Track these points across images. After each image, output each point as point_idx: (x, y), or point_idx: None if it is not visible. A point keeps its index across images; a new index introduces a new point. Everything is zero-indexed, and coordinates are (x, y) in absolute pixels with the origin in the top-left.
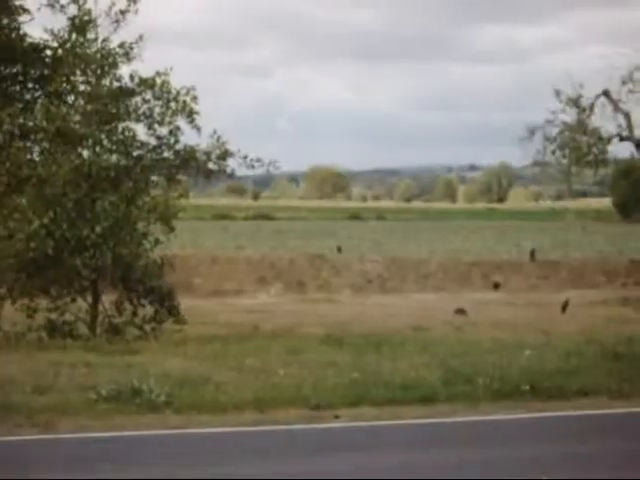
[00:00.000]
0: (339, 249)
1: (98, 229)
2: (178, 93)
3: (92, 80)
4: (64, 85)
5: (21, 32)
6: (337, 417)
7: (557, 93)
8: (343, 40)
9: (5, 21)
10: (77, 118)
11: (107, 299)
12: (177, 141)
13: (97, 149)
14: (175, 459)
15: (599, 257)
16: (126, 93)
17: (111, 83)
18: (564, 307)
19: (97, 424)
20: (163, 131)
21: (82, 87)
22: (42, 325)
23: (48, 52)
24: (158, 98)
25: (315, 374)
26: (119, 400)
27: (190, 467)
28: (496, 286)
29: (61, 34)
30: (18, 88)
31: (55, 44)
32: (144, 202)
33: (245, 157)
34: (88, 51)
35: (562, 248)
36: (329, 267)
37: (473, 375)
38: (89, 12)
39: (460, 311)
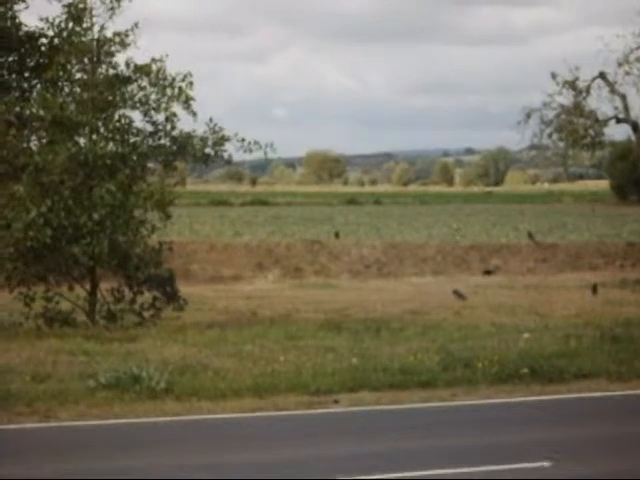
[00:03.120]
0: (336, 234)
1: (95, 217)
2: (174, 79)
3: (88, 68)
4: (60, 73)
5: (17, 21)
6: (337, 402)
7: (553, 76)
8: (338, 25)
9: (1, 10)
10: (73, 106)
11: (105, 287)
12: (173, 127)
13: (93, 137)
14: (175, 446)
15: (597, 239)
16: (122, 80)
17: (107, 71)
18: (594, 289)
19: (97, 412)
20: (159, 118)
21: (78, 75)
22: (40, 313)
23: (44, 41)
24: (154, 85)
25: (314, 360)
26: (118, 388)
27: (190, 454)
28: (488, 272)
29: (57, 22)
30: (14, 77)
31: (51, 33)
32: (141, 189)
33: (242, 140)
34: (84, 39)
35: (559, 231)
36: (327, 252)
37: (472, 359)
38: (84, 0)
39: (458, 295)
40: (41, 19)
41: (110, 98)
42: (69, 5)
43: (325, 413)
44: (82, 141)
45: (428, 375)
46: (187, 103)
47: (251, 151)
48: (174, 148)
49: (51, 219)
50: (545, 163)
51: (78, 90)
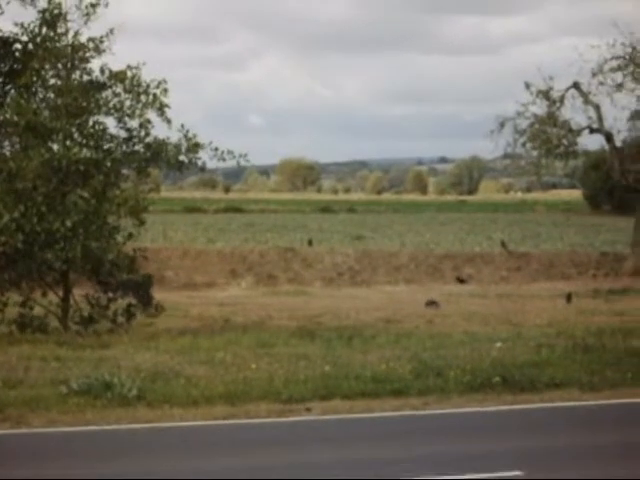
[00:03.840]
0: (310, 242)
1: (68, 223)
2: (148, 86)
3: (62, 74)
4: (34, 79)
5: None
6: (309, 410)
7: (527, 85)
8: (313, 33)
9: None
10: (47, 112)
11: (78, 293)
12: (148, 134)
13: (67, 143)
14: (147, 453)
15: (570, 249)
16: (96, 87)
17: (81, 77)
18: (568, 298)
19: (68, 418)
20: (133, 124)
21: (52, 81)
22: (13, 319)
23: (18, 46)
24: (129, 91)
25: (286, 367)
26: (90, 394)
27: (162, 461)
28: (461, 281)
29: (31, 28)
30: None
31: (25, 38)
32: (114, 196)
33: (216, 149)
34: (58, 45)
35: (533, 240)
36: (300, 260)
37: (444, 368)
38: (59, 5)
39: (431, 303)
40: (15, 24)
41: (84, 104)
42: (44, 10)
43: (297, 421)
44: (56, 147)
45: (400, 383)
46: (161, 110)
47: (224, 160)
48: (148, 155)
49: (23, 224)
50: (518, 172)
51: (52, 96)
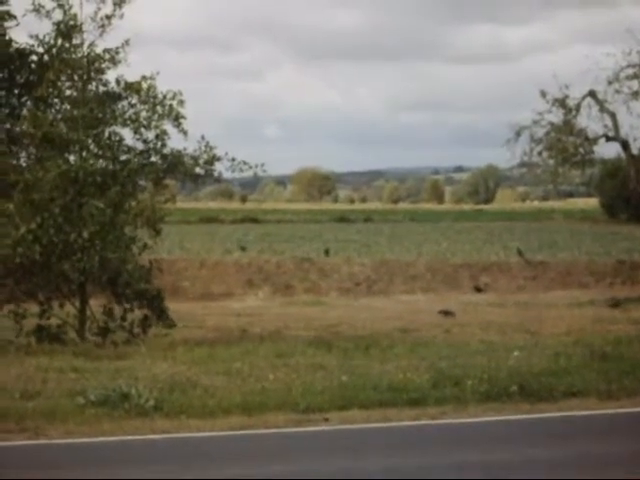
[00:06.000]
0: (326, 252)
1: (85, 234)
2: (164, 97)
3: (78, 85)
4: (50, 90)
5: (7, 38)
6: (326, 420)
7: (543, 94)
8: (329, 42)
9: None
10: (63, 123)
11: (95, 304)
12: (164, 145)
13: (84, 154)
14: (164, 464)
15: (587, 257)
16: (112, 98)
17: (97, 88)
18: (616, 304)
19: (86, 429)
20: (150, 135)
21: (68, 92)
22: (30, 330)
23: (34, 57)
24: (144, 102)
25: (304, 377)
26: (108, 405)
27: (179, 472)
28: (478, 290)
29: (47, 39)
30: (4, 94)
31: (41, 49)
32: (131, 206)
33: (233, 160)
34: (74, 56)
35: (549, 249)
36: (317, 270)
37: (461, 377)
38: (75, 17)
39: (445, 312)
40: (31, 36)
41: (100, 115)
42: (59, 22)
43: (315, 431)
44: (72, 158)
45: (417, 393)
46: (177, 121)
47: (241, 171)
48: (165, 166)
49: (41, 236)
50: (535, 181)
51: (68, 107)
